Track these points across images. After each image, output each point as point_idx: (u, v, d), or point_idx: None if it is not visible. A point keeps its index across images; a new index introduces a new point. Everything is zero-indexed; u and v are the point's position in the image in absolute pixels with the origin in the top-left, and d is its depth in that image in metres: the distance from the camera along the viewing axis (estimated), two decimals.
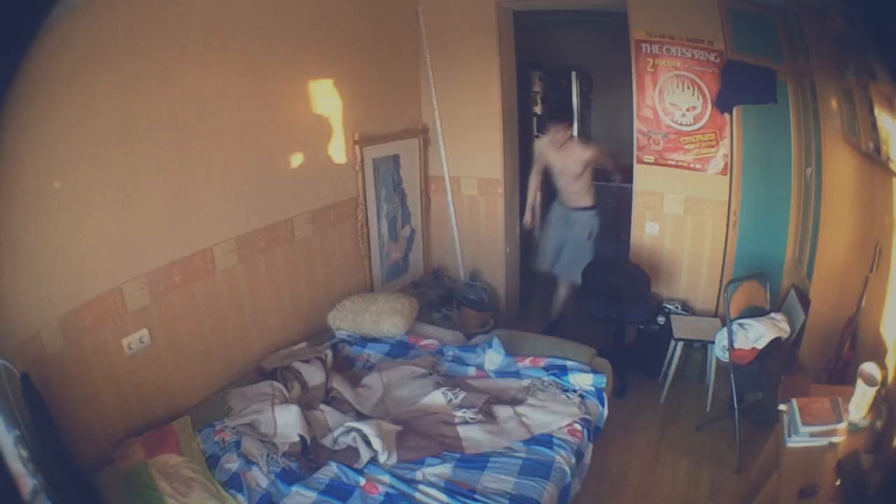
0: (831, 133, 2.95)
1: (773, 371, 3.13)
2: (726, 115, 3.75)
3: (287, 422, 2.76)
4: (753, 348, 3.13)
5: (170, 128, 2.82)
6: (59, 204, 2.46)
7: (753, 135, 3.74)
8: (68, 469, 2.23)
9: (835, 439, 2.13)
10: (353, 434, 2.68)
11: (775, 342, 3.09)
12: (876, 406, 2.02)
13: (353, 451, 2.64)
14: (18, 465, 1.82)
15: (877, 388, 2.02)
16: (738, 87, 3.66)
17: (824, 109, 3.02)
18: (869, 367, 2.08)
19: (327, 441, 2.73)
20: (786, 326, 3.13)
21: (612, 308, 3.82)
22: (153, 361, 2.91)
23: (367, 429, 2.64)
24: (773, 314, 3.22)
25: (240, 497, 2.40)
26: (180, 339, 3.01)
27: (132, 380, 2.82)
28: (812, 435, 2.18)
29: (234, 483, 2.48)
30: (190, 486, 2.46)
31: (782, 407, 2.36)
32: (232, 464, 2.57)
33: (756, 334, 3.12)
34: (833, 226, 3.00)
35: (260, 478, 2.51)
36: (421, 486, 2.43)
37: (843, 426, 2.13)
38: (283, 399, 2.96)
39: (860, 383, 2.08)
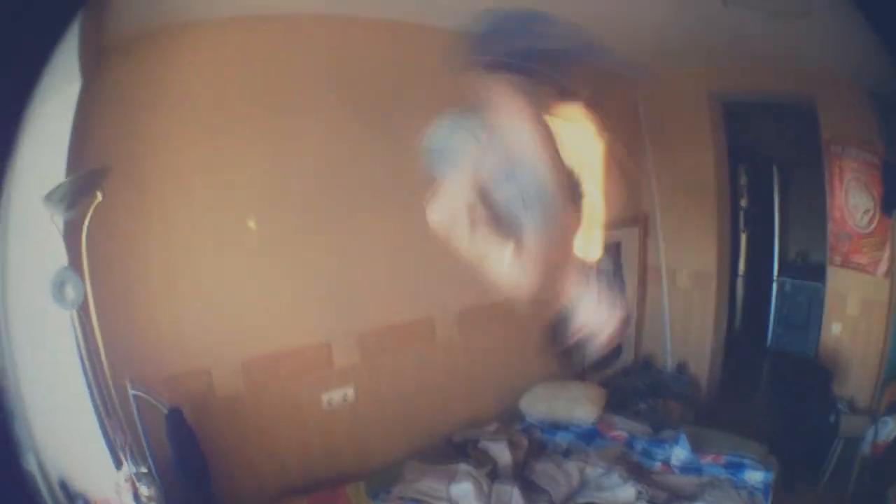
0: None
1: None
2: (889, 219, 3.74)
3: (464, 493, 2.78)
4: (884, 442, 3.28)
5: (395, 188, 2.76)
6: (252, 246, 2.46)
7: None
8: None
9: None
10: None
11: None
12: None
13: None
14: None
15: None
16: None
17: None
18: None
19: None
20: None
21: (798, 405, 3.90)
22: (349, 420, 2.92)
23: None
24: None
25: None
26: (382, 403, 3.00)
27: (323, 436, 2.83)
28: None
29: None
30: None
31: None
32: None
33: (890, 430, 3.29)
34: None
35: None
36: None
37: None
38: (467, 475, 2.91)
39: None
